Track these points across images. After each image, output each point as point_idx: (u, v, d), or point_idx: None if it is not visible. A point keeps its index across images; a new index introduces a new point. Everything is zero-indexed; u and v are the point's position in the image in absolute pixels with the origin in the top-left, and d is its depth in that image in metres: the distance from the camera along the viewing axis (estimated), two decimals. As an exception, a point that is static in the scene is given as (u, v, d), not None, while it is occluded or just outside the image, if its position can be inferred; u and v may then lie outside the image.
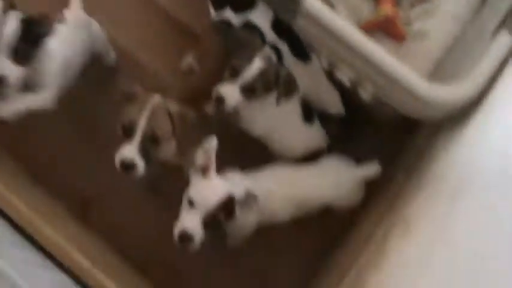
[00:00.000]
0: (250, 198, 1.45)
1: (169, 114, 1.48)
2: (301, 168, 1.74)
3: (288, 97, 1.65)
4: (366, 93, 1.72)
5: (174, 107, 1.49)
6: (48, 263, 1.33)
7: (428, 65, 1.83)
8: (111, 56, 2.01)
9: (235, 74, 1.58)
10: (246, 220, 1.55)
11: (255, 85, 1.58)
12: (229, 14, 1.77)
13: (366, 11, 1.93)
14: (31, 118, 1.91)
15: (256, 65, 1.57)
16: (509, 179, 1.04)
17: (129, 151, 1.43)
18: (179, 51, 2.04)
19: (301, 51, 1.76)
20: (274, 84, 1.61)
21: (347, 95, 1.85)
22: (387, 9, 1.85)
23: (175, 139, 1.53)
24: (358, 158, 1.78)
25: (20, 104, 1.60)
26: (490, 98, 1.44)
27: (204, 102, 1.90)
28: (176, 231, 1.40)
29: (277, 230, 1.75)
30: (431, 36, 1.86)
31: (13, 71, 1.49)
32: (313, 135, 1.83)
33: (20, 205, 1.41)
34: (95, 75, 1.97)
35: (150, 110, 1.44)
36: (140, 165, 1.44)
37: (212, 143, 1.44)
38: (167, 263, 1.87)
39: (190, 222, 1.40)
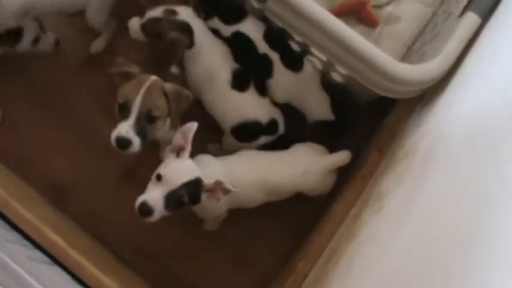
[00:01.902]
0: (219, 187, 1.46)
1: (165, 94, 1.52)
2: (271, 154, 1.74)
3: (167, 57, 1.70)
4: (338, 76, 1.75)
5: (170, 86, 1.53)
6: (25, 242, 1.33)
7: (399, 48, 1.87)
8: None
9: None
10: (214, 205, 1.56)
11: (146, 26, 1.70)
12: (218, 25, 1.79)
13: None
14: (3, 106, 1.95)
15: (154, 13, 1.69)
16: (472, 145, 1.07)
17: (125, 128, 1.46)
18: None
19: (292, 61, 1.79)
20: (159, 38, 1.67)
21: (338, 98, 1.85)
22: (359, -7, 1.89)
23: (170, 118, 1.56)
24: (332, 140, 1.81)
25: None
26: (457, 76, 1.48)
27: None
28: (138, 202, 1.40)
29: (255, 213, 1.76)
30: (402, 20, 1.90)
31: None
32: (246, 103, 1.80)
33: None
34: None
35: (146, 89, 1.48)
36: (136, 142, 1.47)
37: (193, 127, 1.48)
38: (144, 248, 1.88)
39: (152, 195, 1.40)
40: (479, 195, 0.90)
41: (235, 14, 1.78)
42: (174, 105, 1.53)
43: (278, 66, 1.77)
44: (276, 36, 1.77)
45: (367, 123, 1.88)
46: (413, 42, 1.87)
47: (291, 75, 1.78)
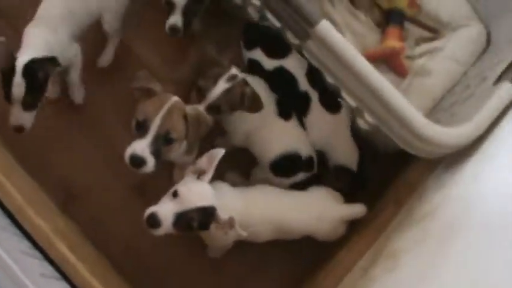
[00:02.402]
0: (230, 224, 1.45)
1: (185, 116, 1.50)
2: (289, 193, 1.74)
3: (253, 111, 1.69)
4: (364, 123, 1.75)
5: (190, 109, 1.52)
6: (36, 253, 1.32)
7: (427, 102, 1.87)
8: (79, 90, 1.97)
9: (201, 95, 1.63)
10: (221, 236, 1.54)
11: (219, 105, 1.63)
12: (260, 57, 1.80)
13: (371, 41, 1.97)
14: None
15: (220, 87, 1.62)
16: (504, 221, 1.07)
17: (141, 147, 1.44)
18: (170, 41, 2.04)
19: (331, 102, 1.81)
20: (240, 102, 1.65)
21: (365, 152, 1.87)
22: (395, 42, 1.89)
23: (187, 141, 1.55)
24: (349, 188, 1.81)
25: None
26: (488, 143, 1.47)
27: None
28: (148, 211, 1.40)
29: (262, 246, 1.75)
30: (432, 75, 1.90)
31: None
32: (289, 133, 1.81)
33: (12, 190, 1.39)
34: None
35: (166, 109, 1.46)
36: (150, 162, 1.45)
37: (219, 153, 1.47)
38: (145, 262, 1.87)
39: (164, 209, 1.40)
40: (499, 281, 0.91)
41: (280, 50, 1.80)
42: (193, 129, 1.52)
43: (316, 105, 1.79)
44: (318, 75, 1.77)
45: (385, 172, 1.88)
46: (441, 99, 1.88)
47: (327, 116, 1.79)
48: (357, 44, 1.94)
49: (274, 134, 1.77)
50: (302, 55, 1.77)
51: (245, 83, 1.66)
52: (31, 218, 1.35)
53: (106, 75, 2.01)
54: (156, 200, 1.47)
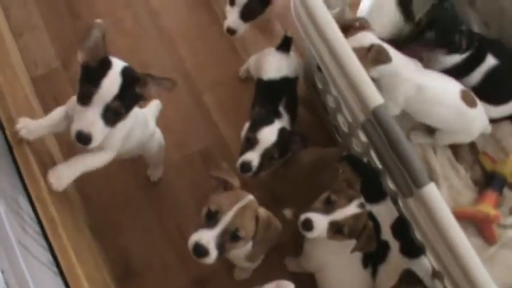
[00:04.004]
0: None
1: (257, 218, 1.47)
2: None
3: (364, 251, 1.63)
4: (441, 286, 1.68)
5: (263, 212, 1.49)
6: None
7: (509, 279, 1.79)
8: (157, 171, 2.01)
9: (329, 207, 1.59)
10: None
11: (343, 225, 1.58)
12: None
13: (465, 199, 1.93)
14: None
15: (352, 209, 1.58)
16: None
17: (207, 238, 1.40)
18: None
19: (410, 251, 1.74)
20: (359, 233, 1.60)
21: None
22: (490, 209, 1.84)
23: (253, 243, 1.51)
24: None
25: (80, 167, 1.47)
26: None
27: (284, 207, 1.92)
28: None
29: None
30: (521, 250, 1.83)
31: (100, 131, 1.36)
32: (360, 281, 1.76)
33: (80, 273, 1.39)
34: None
35: (241, 206, 1.44)
36: (213, 254, 1.40)
37: (288, 287, 1.43)
38: None
39: None
40: None
41: (375, 195, 1.76)
42: (262, 232, 1.48)
43: (393, 254, 1.73)
44: (404, 227, 1.73)
45: None
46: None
47: (405, 260, 1.72)
48: (450, 199, 1.90)
49: (348, 278, 1.73)
50: (395, 202, 1.74)
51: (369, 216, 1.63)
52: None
53: (192, 161, 2.06)
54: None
